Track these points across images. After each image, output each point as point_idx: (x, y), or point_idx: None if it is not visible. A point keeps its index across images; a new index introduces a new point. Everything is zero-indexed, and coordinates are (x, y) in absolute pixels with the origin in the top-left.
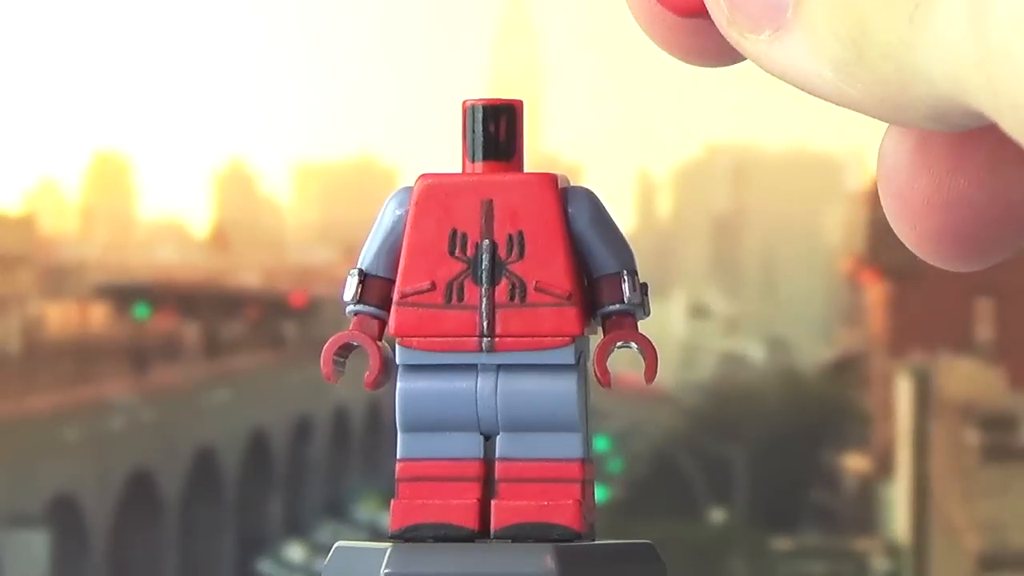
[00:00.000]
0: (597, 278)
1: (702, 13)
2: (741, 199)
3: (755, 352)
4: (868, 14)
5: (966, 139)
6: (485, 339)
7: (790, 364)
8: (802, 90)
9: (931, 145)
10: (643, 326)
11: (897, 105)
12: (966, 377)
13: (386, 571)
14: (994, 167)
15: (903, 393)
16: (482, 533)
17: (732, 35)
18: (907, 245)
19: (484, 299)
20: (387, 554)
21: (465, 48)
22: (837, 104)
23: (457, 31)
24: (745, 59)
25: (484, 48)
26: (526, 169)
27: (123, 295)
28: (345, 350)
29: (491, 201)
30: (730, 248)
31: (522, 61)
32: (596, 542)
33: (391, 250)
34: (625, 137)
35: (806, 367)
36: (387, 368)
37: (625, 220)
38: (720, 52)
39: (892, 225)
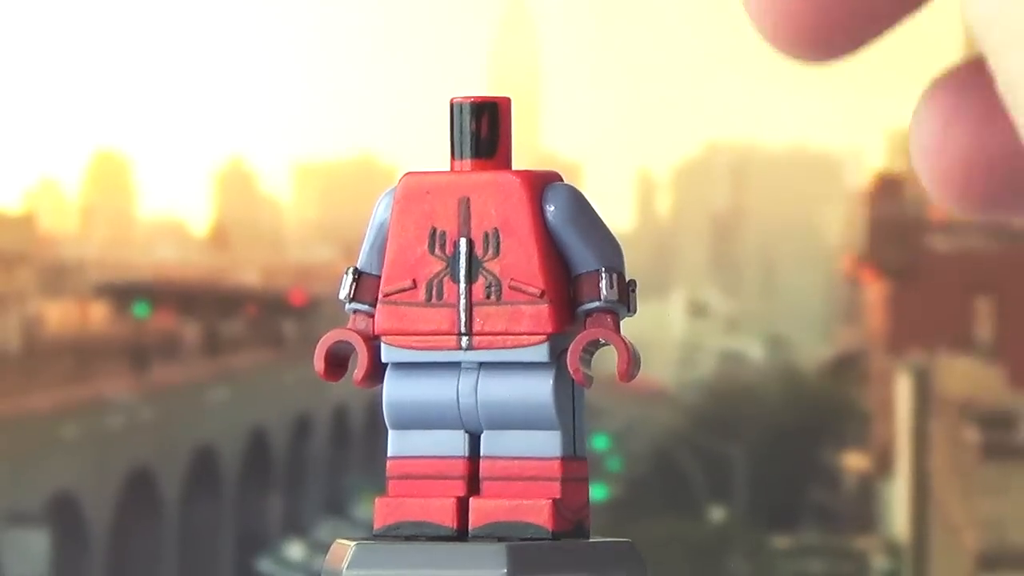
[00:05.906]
0: (576, 276)
1: None
2: (741, 198)
3: (754, 351)
4: None
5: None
6: (464, 337)
7: (790, 362)
8: None
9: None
10: (646, 325)
11: None
12: (965, 375)
13: (347, 571)
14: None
15: (902, 391)
16: (462, 531)
17: None
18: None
19: (462, 297)
20: (350, 553)
21: (465, 48)
22: None
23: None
24: (859, 49)
25: (484, 47)
26: (522, 167)
27: (123, 294)
28: (349, 347)
29: (468, 199)
30: (730, 247)
31: (522, 61)
32: (564, 541)
33: (381, 248)
34: (625, 136)
35: (805, 366)
36: (377, 365)
37: (625, 219)
38: (839, 40)
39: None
